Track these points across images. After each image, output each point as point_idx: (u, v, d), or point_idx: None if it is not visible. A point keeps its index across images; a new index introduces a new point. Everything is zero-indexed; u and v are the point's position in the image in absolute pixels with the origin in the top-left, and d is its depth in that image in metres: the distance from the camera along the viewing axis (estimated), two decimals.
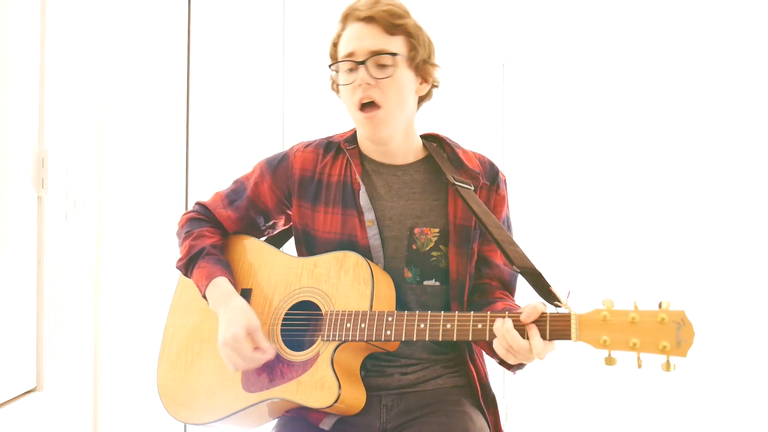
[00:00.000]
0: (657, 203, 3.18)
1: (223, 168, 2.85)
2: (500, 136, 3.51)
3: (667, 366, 1.24)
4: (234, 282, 1.65)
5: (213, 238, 1.71)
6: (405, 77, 1.60)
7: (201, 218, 1.77)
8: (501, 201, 1.68)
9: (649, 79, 3.21)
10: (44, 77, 1.89)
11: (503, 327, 1.37)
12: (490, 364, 1.65)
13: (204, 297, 1.65)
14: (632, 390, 3.16)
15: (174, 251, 1.78)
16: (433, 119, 1.79)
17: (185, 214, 1.80)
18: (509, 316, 1.38)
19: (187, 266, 1.69)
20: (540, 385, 3.36)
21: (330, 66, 1.66)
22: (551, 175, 3.40)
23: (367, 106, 1.58)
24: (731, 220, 3.01)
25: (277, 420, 1.67)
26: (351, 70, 1.60)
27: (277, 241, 1.86)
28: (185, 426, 2.66)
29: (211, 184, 2.68)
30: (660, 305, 1.27)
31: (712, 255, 3.04)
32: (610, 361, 1.28)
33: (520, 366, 1.49)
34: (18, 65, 1.79)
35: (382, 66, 1.57)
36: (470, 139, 1.78)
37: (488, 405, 1.65)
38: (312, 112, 3.19)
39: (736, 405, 2.98)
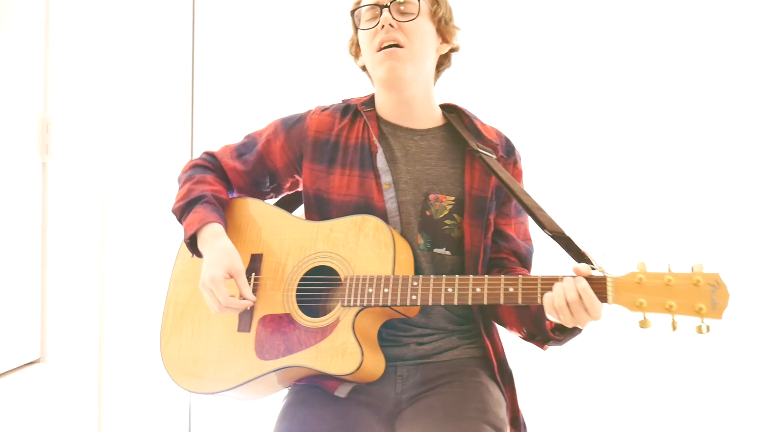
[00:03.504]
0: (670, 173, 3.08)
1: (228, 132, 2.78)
2: None
3: (701, 329, 1.24)
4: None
5: (214, 186, 1.65)
6: (427, 27, 1.60)
7: (206, 165, 1.71)
8: (519, 175, 1.67)
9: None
10: (48, 39, 1.83)
11: (579, 286, 1.31)
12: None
13: (187, 241, 1.57)
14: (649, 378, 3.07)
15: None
16: None
17: (191, 160, 1.74)
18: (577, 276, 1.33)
19: (183, 210, 1.61)
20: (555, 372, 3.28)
21: (352, 12, 1.65)
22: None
23: (388, 48, 1.56)
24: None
25: (288, 389, 1.63)
26: (373, 17, 1.59)
27: (287, 208, 1.78)
28: (190, 396, 2.62)
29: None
30: (693, 268, 1.27)
31: (735, 218, 2.88)
32: (644, 323, 1.28)
33: (560, 340, 1.46)
34: (22, 28, 1.74)
35: (405, 13, 1.58)
36: None
37: (505, 381, 1.62)
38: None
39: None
